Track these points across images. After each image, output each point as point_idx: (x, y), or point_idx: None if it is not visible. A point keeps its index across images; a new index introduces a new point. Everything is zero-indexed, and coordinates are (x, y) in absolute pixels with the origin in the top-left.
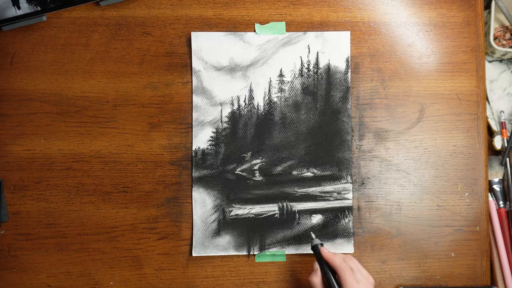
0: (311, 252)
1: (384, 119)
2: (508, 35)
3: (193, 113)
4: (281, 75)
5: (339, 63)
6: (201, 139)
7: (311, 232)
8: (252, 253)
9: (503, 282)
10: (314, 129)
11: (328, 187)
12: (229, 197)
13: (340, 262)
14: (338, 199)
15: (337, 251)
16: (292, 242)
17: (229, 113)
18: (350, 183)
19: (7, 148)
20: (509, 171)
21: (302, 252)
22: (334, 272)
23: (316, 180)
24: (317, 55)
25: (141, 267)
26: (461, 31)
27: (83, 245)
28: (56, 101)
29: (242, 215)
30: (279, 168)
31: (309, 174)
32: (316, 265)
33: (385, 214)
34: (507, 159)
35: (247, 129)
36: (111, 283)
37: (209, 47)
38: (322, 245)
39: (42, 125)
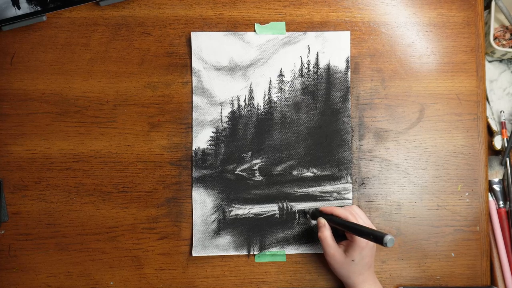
0: (311, 251)
1: (384, 119)
2: (508, 35)
3: (193, 113)
4: (281, 75)
5: (339, 63)
6: (201, 139)
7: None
8: (252, 253)
9: (503, 282)
10: (314, 129)
11: (328, 187)
12: (229, 197)
13: (346, 211)
14: (338, 199)
15: None
16: (292, 242)
17: (229, 113)
18: (350, 183)
19: (7, 148)
20: (509, 171)
21: (302, 252)
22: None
23: (316, 180)
24: (317, 55)
25: (141, 267)
26: (461, 31)
27: (83, 245)
28: (56, 101)
29: (242, 215)
30: (279, 168)
31: (309, 174)
32: (323, 221)
33: (385, 214)
34: (507, 159)
35: (247, 129)
36: (111, 283)
37: (209, 47)
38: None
39: (42, 125)
